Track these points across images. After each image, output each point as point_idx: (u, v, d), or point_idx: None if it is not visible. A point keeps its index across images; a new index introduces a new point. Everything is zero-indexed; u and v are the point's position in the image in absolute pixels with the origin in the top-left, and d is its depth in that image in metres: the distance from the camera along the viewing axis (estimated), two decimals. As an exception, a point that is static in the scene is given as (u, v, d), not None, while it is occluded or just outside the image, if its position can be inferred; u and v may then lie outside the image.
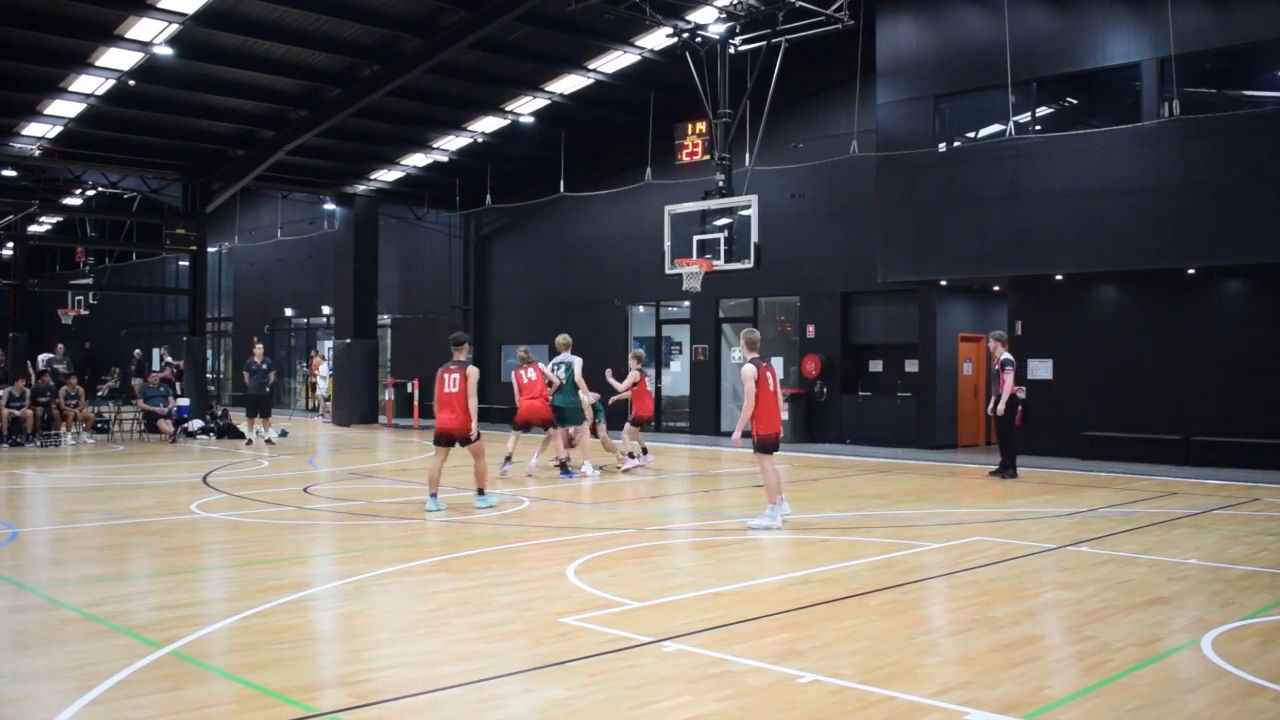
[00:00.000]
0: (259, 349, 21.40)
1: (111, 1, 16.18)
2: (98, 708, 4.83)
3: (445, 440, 11.38)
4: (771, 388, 10.19)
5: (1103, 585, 7.61)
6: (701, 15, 16.94)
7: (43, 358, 26.37)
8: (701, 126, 20.26)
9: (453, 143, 24.37)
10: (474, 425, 11.25)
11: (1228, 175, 15.37)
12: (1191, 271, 16.29)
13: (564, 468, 14.77)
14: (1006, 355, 14.63)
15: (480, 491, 11.64)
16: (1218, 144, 15.42)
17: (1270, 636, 6.23)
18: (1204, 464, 16.18)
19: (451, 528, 10.32)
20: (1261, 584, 7.71)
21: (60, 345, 28.82)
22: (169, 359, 27.50)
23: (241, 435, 21.49)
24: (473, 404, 11.19)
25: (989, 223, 17.52)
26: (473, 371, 11.26)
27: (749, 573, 8.16)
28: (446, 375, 11.37)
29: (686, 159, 21.38)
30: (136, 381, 25.67)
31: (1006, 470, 14.75)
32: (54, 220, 35.88)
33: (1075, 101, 18.11)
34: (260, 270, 36.14)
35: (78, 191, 30.80)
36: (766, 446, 10.16)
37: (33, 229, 31.29)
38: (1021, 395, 14.76)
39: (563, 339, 15.17)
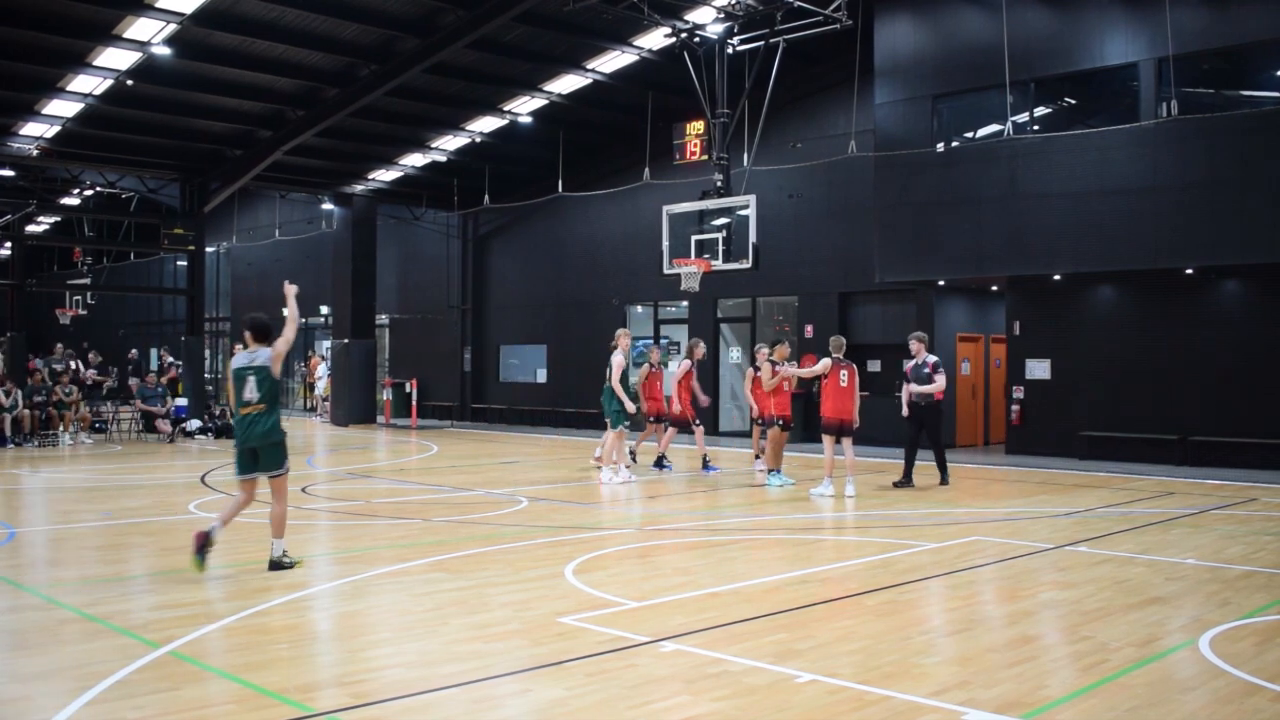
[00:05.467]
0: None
1: (110, 1, 16.17)
2: (96, 708, 4.83)
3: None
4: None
5: (1100, 585, 7.62)
6: (700, 15, 16.93)
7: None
8: (700, 126, 20.23)
9: (451, 142, 24.35)
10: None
11: (1225, 175, 15.38)
12: (1189, 271, 16.30)
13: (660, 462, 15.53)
14: (932, 356, 13.73)
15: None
16: (1215, 144, 15.43)
17: (1267, 636, 6.24)
18: (1201, 464, 16.19)
19: (450, 528, 10.33)
20: (1259, 584, 7.72)
21: (59, 345, 28.74)
22: (170, 359, 27.34)
23: (239, 435, 21.44)
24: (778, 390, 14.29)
25: (987, 223, 17.53)
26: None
27: (746, 573, 8.16)
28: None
29: (685, 159, 21.32)
30: (133, 381, 25.59)
31: (906, 480, 13.71)
32: (52, 220, 35.82)
33: (1073, 102, 18.11)
34: (258, 270, 36.08)
35: (75, 191, 30.74)
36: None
37: (30, 229, 31.21)
38: (1020, 395, 14.74)
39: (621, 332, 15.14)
